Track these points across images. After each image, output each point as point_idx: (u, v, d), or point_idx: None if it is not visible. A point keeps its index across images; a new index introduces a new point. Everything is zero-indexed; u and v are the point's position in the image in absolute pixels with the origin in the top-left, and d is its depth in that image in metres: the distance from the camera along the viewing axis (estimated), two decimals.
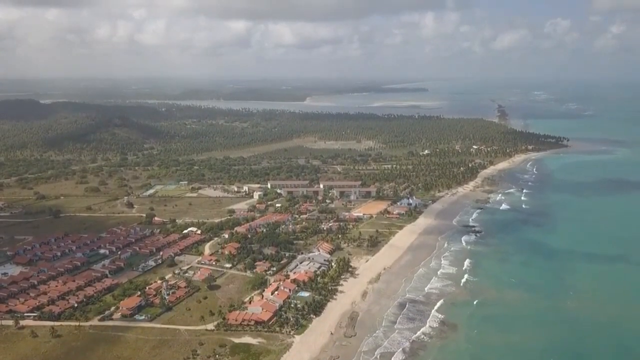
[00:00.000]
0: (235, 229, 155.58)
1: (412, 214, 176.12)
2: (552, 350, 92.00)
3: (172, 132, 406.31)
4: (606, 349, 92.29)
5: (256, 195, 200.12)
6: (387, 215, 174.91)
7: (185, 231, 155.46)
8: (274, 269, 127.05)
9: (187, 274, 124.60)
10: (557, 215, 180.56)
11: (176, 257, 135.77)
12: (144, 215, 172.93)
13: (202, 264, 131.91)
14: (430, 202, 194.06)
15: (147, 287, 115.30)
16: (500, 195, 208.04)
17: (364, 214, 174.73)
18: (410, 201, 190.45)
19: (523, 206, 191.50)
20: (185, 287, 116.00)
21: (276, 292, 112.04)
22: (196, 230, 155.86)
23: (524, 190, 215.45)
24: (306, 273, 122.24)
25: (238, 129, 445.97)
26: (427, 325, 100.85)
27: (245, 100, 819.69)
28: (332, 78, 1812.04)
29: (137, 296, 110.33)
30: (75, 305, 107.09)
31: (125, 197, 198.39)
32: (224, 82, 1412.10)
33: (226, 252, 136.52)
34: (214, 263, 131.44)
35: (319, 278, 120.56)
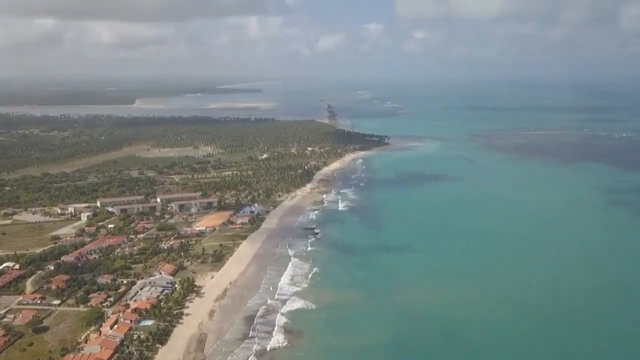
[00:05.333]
0: (62, 258, 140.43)
1: (255, 222, 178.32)
2: (392, 343, 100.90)
3: None
4: (435, 336, 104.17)
5: (84, 216, 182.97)
6: (231, 226, 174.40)
7: None
8: (112, 299, 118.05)
9: (5, 319, 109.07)
10: (387, 211, 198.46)
11: None
12: None
13: (23, 304, 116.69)
14: (271, 208, 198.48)
15: None
16: (335, 195, 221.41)
17: (206, 227, 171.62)
18: (253, 209, 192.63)
19: (356, 204, 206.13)
20: (3, 335, 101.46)
21: (116, 326, 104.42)
22: (13, 265, 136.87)
23: (356, 189, 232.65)
24: (148, 300, 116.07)
25: (57, 139, 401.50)
26: (274, 336, 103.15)
27: (65, 105, 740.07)
28: (163, 78, 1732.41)
29: None
30: None
31: None
32: (37, 84, 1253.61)
33: (53, 287, 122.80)
34: (39, 301, 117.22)
35: (162, 303, 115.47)
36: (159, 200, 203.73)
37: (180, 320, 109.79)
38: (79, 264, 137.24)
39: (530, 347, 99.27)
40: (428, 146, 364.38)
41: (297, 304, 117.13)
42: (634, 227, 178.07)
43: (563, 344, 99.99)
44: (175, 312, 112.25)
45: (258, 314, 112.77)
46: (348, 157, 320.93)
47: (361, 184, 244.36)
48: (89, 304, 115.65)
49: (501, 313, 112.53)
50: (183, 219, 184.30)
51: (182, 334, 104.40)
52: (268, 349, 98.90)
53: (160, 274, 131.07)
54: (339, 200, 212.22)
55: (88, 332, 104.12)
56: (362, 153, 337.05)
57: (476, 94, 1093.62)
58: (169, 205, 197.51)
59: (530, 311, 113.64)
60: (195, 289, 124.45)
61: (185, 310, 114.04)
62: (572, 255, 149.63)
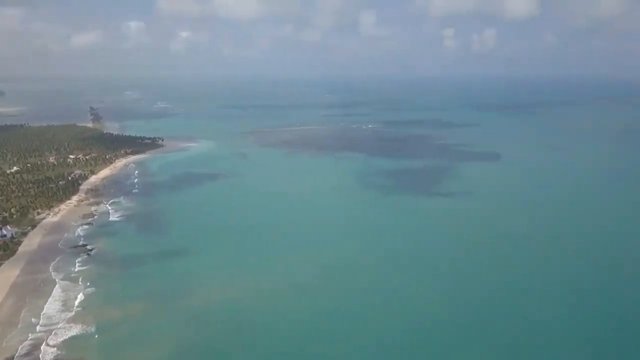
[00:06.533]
0: None
1: (9, 246, 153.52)
2: (184, 349, 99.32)
3: None
4: (227, 330, 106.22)
5: None
6: None
7: None
8: None
9: None
10: (166, 215, 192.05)
11: None
12: None
13: None
14: (29, 228, 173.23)
15: None
16: (107, 205, 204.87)
17: None
18: (4, 232, 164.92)
19: (131, 212, 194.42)
20: None
21: None
22: None
23: (130, 196, 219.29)
24: None
25: None
26: None
27: None
28: None
29: None
30: None
31: None
32: None
33: None
34: None
35: None
36: None
37: None
38: None
39: (315, 324, 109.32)
40: (204, 146, 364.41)
41: (70, 331, 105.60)
42: (385, 202, 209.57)
43: (347, 320, 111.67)
44: None
45: (18, 352, 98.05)
46: (119, 163, 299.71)
47: (136, 191, 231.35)
48: None
49: (288, 299, 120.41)
50: None
51: None
52: None
53: None
54: (113, 210, 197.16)
55: None
56: (135, 157, 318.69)
57: (245, 92, 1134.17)
58: None
59: (312, 291, 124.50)
60: None
61: None
62: (342, 232, 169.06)
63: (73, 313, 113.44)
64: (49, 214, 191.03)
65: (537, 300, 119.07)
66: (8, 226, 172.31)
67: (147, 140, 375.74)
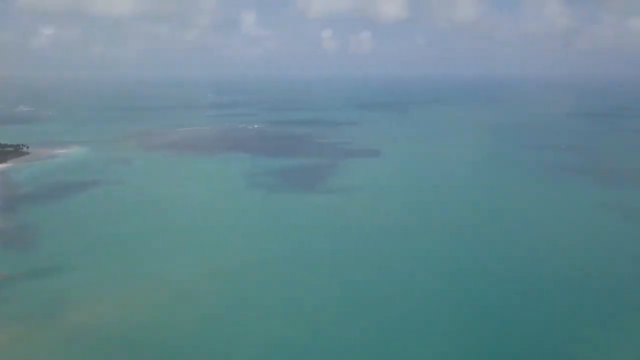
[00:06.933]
0: None
1: None
2: None
3: None
4: (112, 356, 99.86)
5: None
6: None
7: None
8: None
9: None
10: (32, 231, 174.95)
11: None
12: None
13: None
14: None
15: None
16: None
17: None
18: None
19: None
20: None
21: None
22: None
23: None
24: None
25: None
26: None
27: None
28: None
29: None
30: None
31: None
32: None
33: None
34: None
35: None
36: None
37: None
38: None
39: (207, 333, 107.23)
40: (77, 152, 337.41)
41: None
42: (274, 202, 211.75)
43: (243, 325, 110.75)
44: None
45: None
46: None
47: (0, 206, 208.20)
48: None
49: (178, 310, 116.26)
50: None
51: None
52: None
53: None
54: None
55: None
56: None
57: (121, 93, 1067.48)
58: None
59: (204, 299, 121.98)
60: None
61: None
62: (231, 234, 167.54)
63: None
64: None
65: (431, 291, 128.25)
66: None
67: (8, 148, 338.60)
